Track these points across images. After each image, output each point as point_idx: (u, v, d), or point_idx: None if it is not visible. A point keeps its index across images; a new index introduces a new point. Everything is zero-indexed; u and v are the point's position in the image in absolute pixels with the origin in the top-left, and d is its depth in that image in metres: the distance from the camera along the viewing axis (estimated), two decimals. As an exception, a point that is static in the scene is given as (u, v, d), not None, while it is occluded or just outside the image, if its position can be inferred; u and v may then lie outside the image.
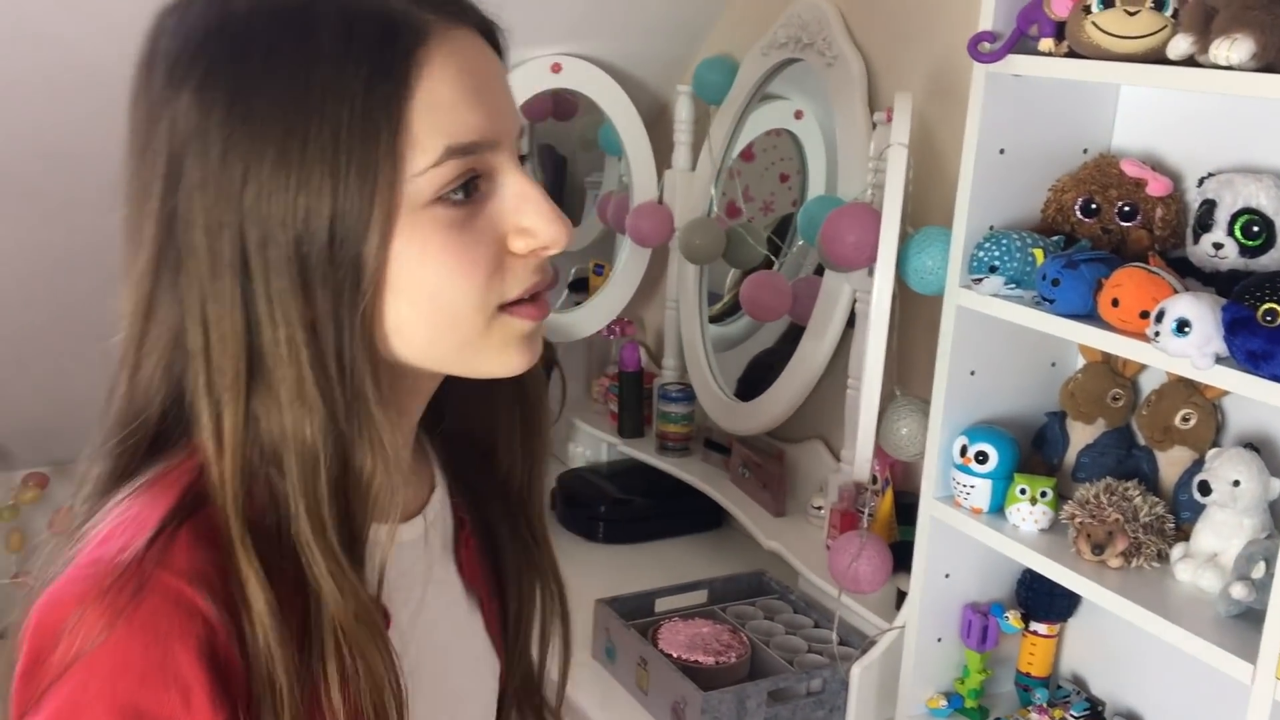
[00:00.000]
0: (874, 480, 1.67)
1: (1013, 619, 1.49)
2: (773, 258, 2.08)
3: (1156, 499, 1.32)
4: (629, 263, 2.33)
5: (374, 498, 0.69)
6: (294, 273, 0.65)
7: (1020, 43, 1.30)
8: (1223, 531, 1.24)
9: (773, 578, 1.86)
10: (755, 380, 2.09)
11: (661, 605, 1.79)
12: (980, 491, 1.42)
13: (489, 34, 0.74)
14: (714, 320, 2.22)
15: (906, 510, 1.69)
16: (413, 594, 0.79)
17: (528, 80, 2.14)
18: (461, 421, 0.86)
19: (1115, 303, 1.22)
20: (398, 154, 0.66)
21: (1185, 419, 1.33)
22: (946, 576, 1.50)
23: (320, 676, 0.67)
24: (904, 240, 1.54)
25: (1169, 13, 1.19)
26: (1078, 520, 1.32)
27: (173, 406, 0.70)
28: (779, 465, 1.96)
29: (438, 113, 0.67)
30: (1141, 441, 1.41)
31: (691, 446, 2.20)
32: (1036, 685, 1.52)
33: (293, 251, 0.65)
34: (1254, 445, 1.27)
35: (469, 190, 0.69)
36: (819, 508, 1.89)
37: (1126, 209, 1.34)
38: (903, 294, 1.58)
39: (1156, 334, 1.16)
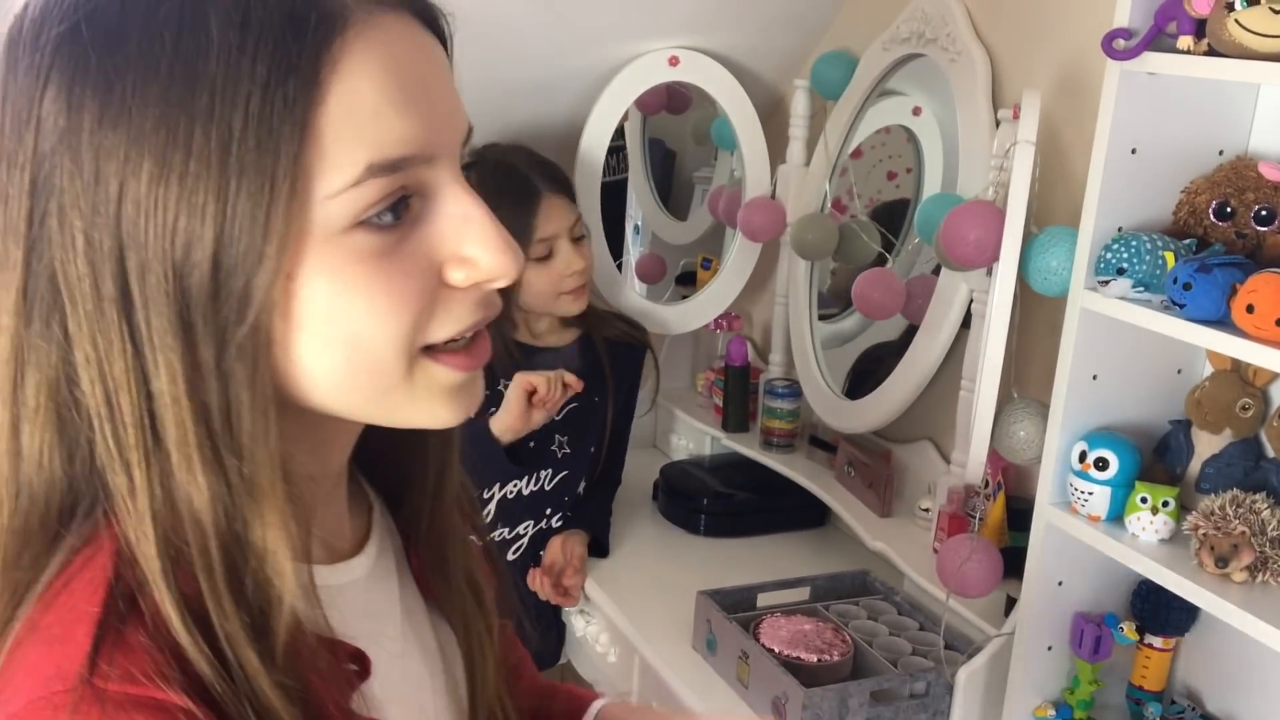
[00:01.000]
0: (985, 484, 1.65)
1: (1127, 630, 1.46)
2: (886, 255, 2.06)
3: (1286, 513, 1.28)
4: (738, 257, 2.33)
5: (270, 575, 0.57)
6: (174, 310, 0.54)
7: (1157, 40, 1.27)
8: (1357, 549, 1.20)
9: (877, 578, 1.84)
10: (867, 373, 2.08)
11: (763, 600, 1.79)
12: (1099, 499, 1.39)
13: (428, 18, 0.62)
14: (822, 317, 2.21)
15: (1017, 515, 1.66)
16: (386, 627, 0.71)
17: (644, 73, 2.14)
18: (376, 448, 0.74)
19: (1250, 309, 1.18)
20: (303, 171, 0.54)
21: (1319, 432, 1.29)
22: (1059, 584, 1.47)
23: None
24: (1027, 240, 1.52)
25: (1318, 10, 1.15)
26: (1201, 532, 1.28)
27: (72, 480, 0.59)
28: (886, 465, 1.94)
29: (357, 120, 0.55)
30: (1271, 453, 1.37)
31: (796, 443, 2.19)
32: (1149, 700, 1.48)
33: (171, 284, 0.54)
34: (1393, 461, 1.23)
35: (398, 211, 0.57)
36: (926, 510, 1.87)
37: (1264, 213, 1.29)
38: (1022, 294, 1.55)
39: (1294, 342, 1.12)
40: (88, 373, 0.56)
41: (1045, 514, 1.44)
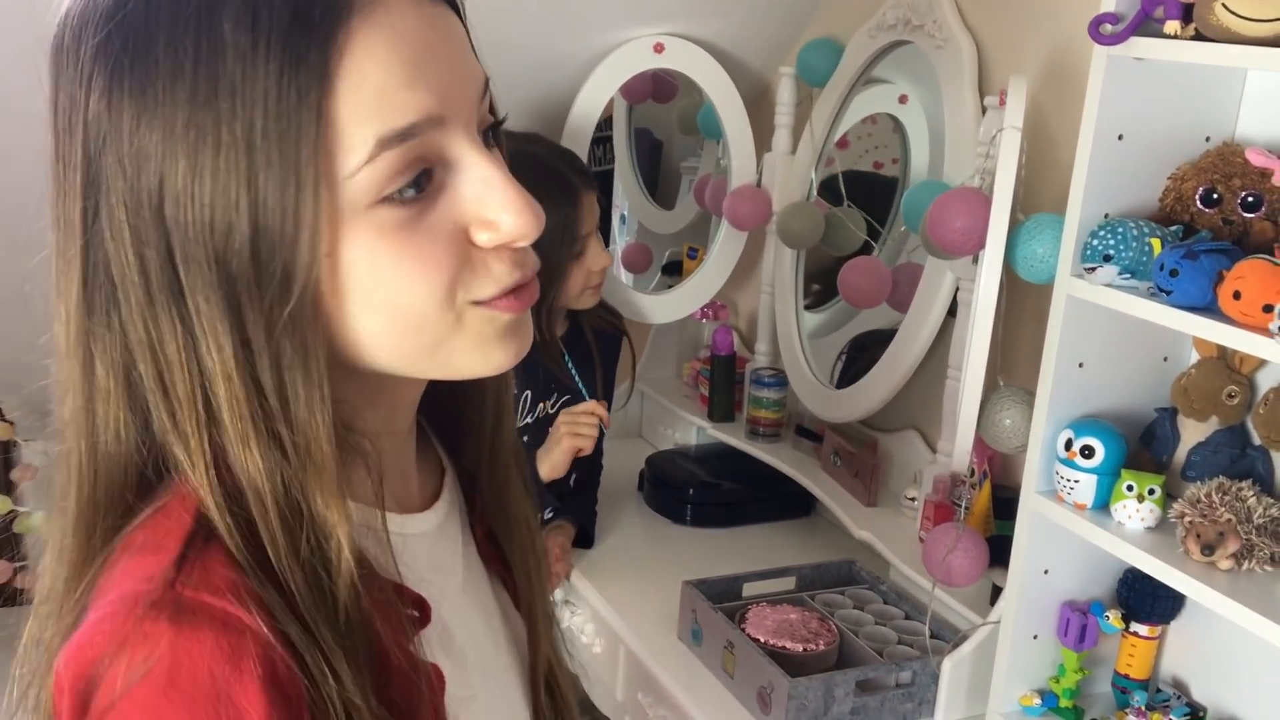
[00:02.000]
0: (971, 472, 1.64)
1: (1113, 619, 1.45)
2: (872, 243, 2.05)
3: (1271, 500, 1.27)
4: (724, 246, 2.32)
5: (327, 541, 0.61)
6: (220, 294, 0.58)
7: (1144, 24, 1.26)
8: (1343, 536, 1.19)
9: (863, 567, 1.84)
10: (857, 360, 2.07)
11: (749, 590, 1.78)
12: (1085, 487, 1.38)
13: None
14: (807, 307, 2.20)
15: (1003, 504, 1.66)
16: (450, 581, 0.75)
17: (629, 60, 2.13)
18: (440, 401, 0.79)
19: (1237, 295, 1.17)
20: (324, 154, 0.57)
21: (1305, 419, 1.28)
22: (1045, 573, 1.47)
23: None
24: (1014, 227, 1.51)
25: (1306, -6, 1.15)
26: (1187, 520, 1.28)
27: (150, 449, 0.63)
28: (872, 454, 1.94)
29: (364, 99, 0.58)
30: (1257, 441, 1.37)
31: (782, 433, 2.18)
32: (1135, 688, 1.48)
33: (215, 271, 0.58)
34: (1379, 448, 1.22)
35: (420, 184, 0.61)
36: (912, 499, 1.86)
37: (1250, 199, 1.29)
38: (1009, 281, 1.55)
39: (1280, 329, 1.12)
40: (142, 355, 0.60)
41: (1031, 502, 1.44)
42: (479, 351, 0.65)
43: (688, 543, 2.08)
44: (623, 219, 2.71)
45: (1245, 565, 1.25)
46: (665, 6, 2.08)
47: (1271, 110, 1.36)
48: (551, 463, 1.83)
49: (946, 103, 1.78)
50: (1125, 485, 1.35)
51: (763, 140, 2.22)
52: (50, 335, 0.65)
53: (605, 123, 2.59)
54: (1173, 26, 1.24)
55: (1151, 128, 1.34)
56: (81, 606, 0.62)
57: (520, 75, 2.09)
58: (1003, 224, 1.50)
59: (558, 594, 1.98)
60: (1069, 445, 1.39)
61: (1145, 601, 1.45)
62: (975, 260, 1.60)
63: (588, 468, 2.04)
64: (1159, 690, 1.50)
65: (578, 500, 2.02)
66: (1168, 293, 1.23)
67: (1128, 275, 1.30)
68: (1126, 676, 1.49)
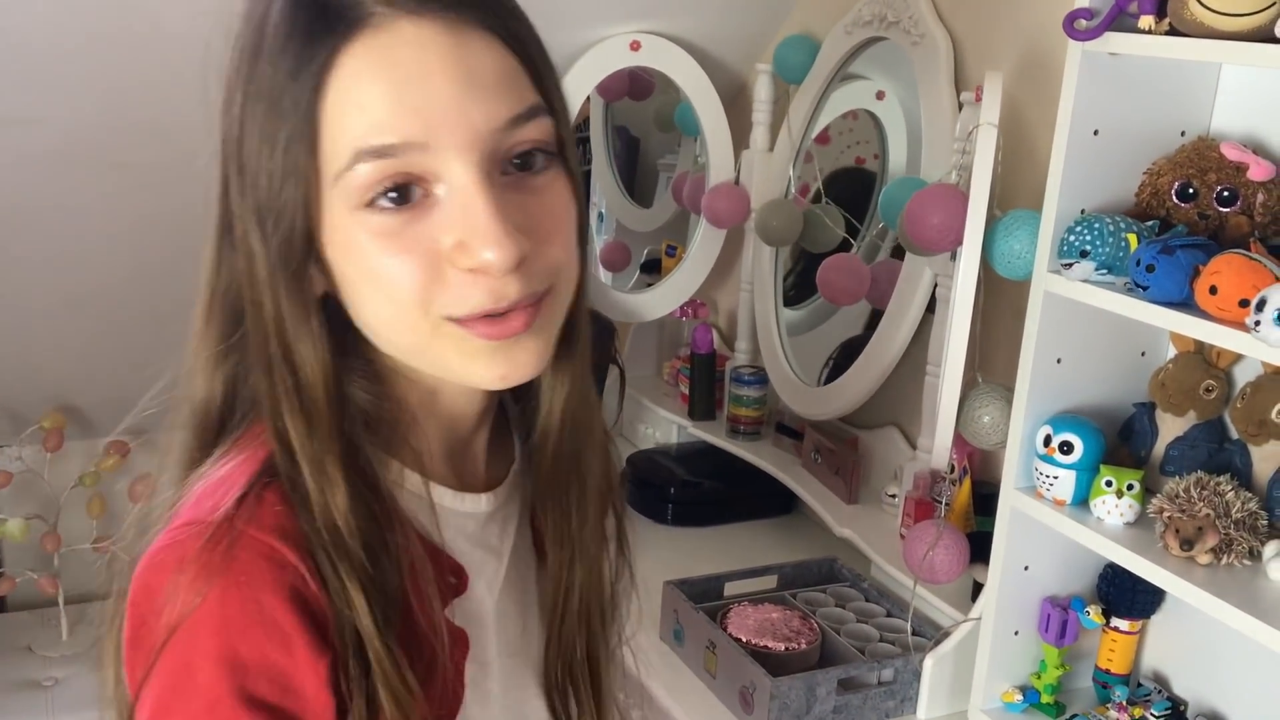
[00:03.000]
0: (951, 469, 1.64)
1: (1093, 614, 1.45)
2: (850, 240, 2.04)
3: (1249, 495, 1.27)
4: (703, 244, 2.31)
5: (336, 492, 0.69)
6: (272, 262, 0.67)
7: (1118, 20, 1.26)
8: (1321, 530, 1.20)
9: (844, 565, 1.84)
10: (846, 364, 2.06)
11: (731, 589, 1.78)
12: (1064, 483, 1.38)
13: (479, 19, 0.67)
14: (787, 304, 2.19)
15: (984, 500, 1.65)
16: (491, 563, 0.80)
17: (606, 57, 2.12)
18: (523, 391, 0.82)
19: (1213, 290, 1.17)
20: (319, 155, 0.65)
21: (1282, 413, 1.28)
22: (1025, 569, 1.47)
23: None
24: (991, 223, 1.51)
25: (1279, -11, 1.15)
26: (1166, 515, 1.28)
27: (236, 391, 0.73)
28: (853, 452, 1.93)
29: (348, 113, 0.64)
30: (1235, 435, 1.37)
31: (763, 431, 2.18)
32: (1116, 683, 1.48)
33: (272, 243, 0.67)
34: (1356, 441, 1.23)
35: (405, 196, 0.65)
36: (893, 496, 1.86)
37: (1226, 194, 1.29)
38: (987, 278, 1.55)
39: (1256, 323, 1.11)
40: (250, 306, 0.69)
41: (1010, 498, 1.44)
42: (459, 364, 0.69)
43: (669, 542, 2.08)
44: (600, 217, 2.70)
45: (1224, 559, 1.26)
46: (641, 4, 2.07)
47: (1246, 104, 1.36)
48: None
49: (923, 99, 1.77)
50: (1104, 481, 1.35)
51: (740, 137, 2.21)
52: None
53: (583, 123, 2.58)
54: (1147, 21, 1.24)
55: (1127, 123, 1.34)
56: (162, 525, 0.69)
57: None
58: (979, 220, 1.50)
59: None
60: (1047, 441, 1.39)
61: (1125, 596, 1.45)
62: (953, 257, 1.60)
63: None
64: (1140, 685, 1.51)
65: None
66: (1144, 288, 1.23)
67: (1104, 271, 1.30)
68: (1108, 671, 1.49)
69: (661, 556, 1.99)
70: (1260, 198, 1.28)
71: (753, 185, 2.16)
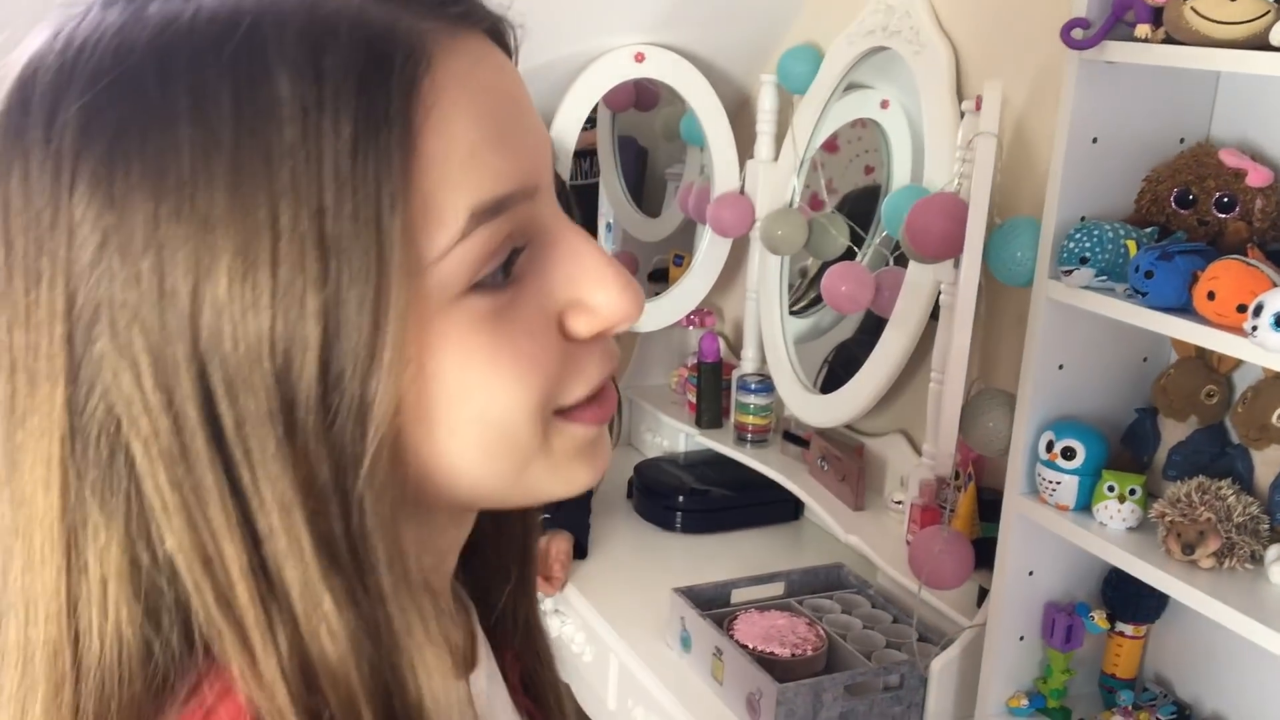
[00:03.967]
0: (956, 475, 1.65)
1: (1098, 619, 1.46)
2: (855, 249, 2.06)
3: (1251, 499, 1.28)
4: (709, 253, 2.33)
5: (427, 713, 0.49)
6: (278, 432, 0.45)
7: (1115, 29, 1.27)
8: (1321, 533, 1.20)
9: (851, 571, 1.84)
10: (841, 368, 2.08)
11: (738, 596, 1.79)
12: (1067, 488, 1.39)
13: (498, 34, 0.53)
14: (793, 312, 2.21)
15: (989, 506, 1.66)
16: None
17: (610, 70, 2.14)
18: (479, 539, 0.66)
19: (1211, 296, 1.18)
20: (410, 235, 0.45)
21: (1283, 417, 1.29)
22: (1030, 574, 1.48)
23: None
24: (991, 231, 1.52)
25: (1273, -3, 1.16)
26: (1168, 519, 1.29)
27: (160, 644, 0.48)
28: (858, 459, 1.94)
29: (456, 164, 0.46)
30: (1236, 440, 1.37)
31: (770, 438, 2.19)
32: (1121, 687, 1.49)
33: (272, 401, 0.45)
34: (1356, 445, 1.23)
35: (509, 268, 0.49)
36: (899, 502, 1.87)
37: (1224, 200, 1.30)
38: (989, 285, 1.56)
39: (1254, 328, 1.12)
40: (170, 524, 0.46)
41: (1014, 504, 1.44)
42: (565, 471, 0.54)
43: (677, 549, 2.09)
44: (608, 227, 2.71)
45: (1226, 563, 1.26)
46: (645, 16, 2.09)
47: (1244, 111, 1.37)
48: None
49: (925, 108, 1.79)
50: (1106, 486, 1.36)
51: (745, 147, 2.23)
52: None
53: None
54: (1143, 30, 1.25)
55: (1126, 131, 1.35)
56: None
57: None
58: (980, 228, 1.51)
59: (548, 603, 1.98)
60: (1050, 447, 1.40)
61: (1129, 601, 1.46)
62: (956, 264, 1.61)
63: None
64: (1145, 689, 1.51)
65: (571, 510, 2.02)
66: (1143, 294, 1.24)
67: (1104, 277, 1.31)
68: (1113, 676, 1.50)
69: (669, 564, 2.00)
70: (1259, 203, 1.29)
71: (758, 195, 2.17)
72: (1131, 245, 1.29)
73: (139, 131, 0.43)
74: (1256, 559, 1.27)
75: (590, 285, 0.51)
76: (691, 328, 2.41)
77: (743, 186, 2.22)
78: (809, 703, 1.51)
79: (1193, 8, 1.18)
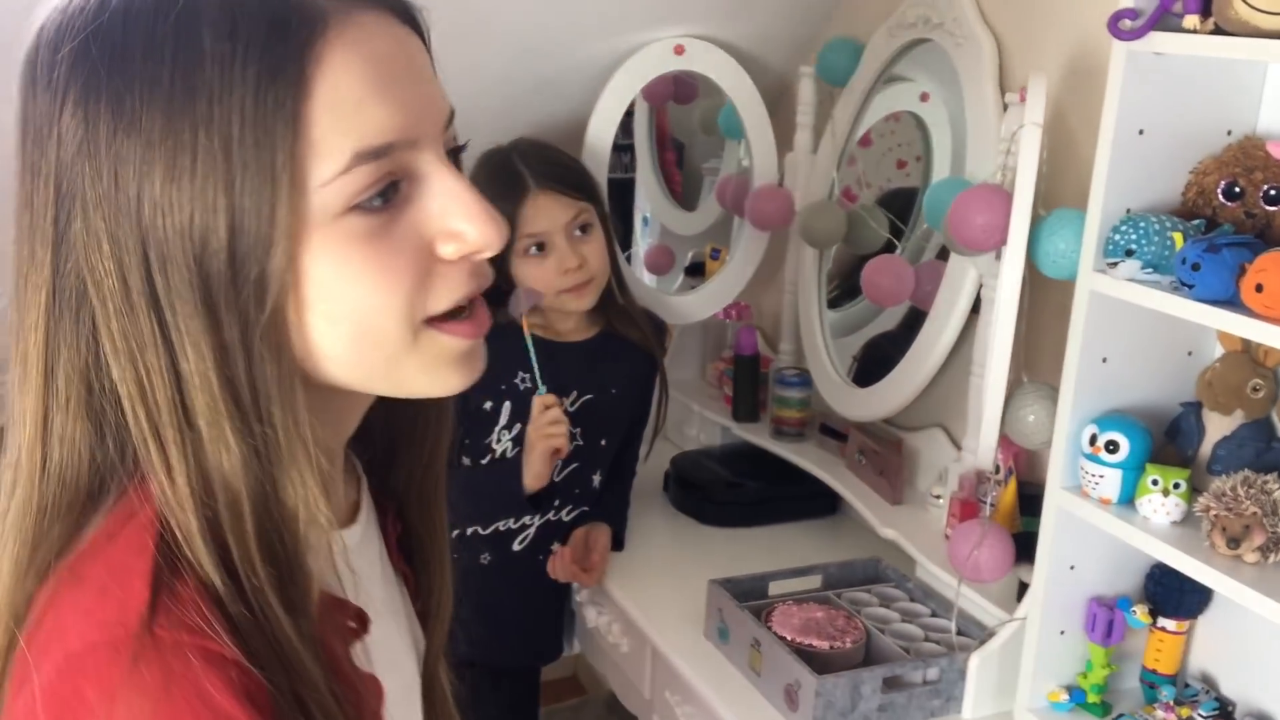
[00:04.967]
0: (996, 469, 1.64)
1: (1140, 614, 1.45)
2: (895, 241, 2.05)
3: (1298, 493, 1.27)
4: (747, 246, 2.32)
5: (303, 536, 0.63)
6: (197, 297, 0.59)
7: (1163, 20, 1.26)
8: (1370, 529, 1.19)
9: (889, 565, 1.84)
10: (872, 364, 2.07)
11: (775, 589, 1.79)
12: (1110, 482, 1.38)
13: (404, 14, 0.66)
14: (830, 305, 2.20)
15: (1029, 501, 1.65)
16: (374, 591, 0.77)
17: (650, 62, 2.14)
18: (372, 419, 0.79)
19: (1259, 288, 1.17)
20: (298, 163, 0.59)
21: (1331, 411, 1.28)
22: (1071, 568, 1.47)
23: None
24: (1035, 223, 1.51)
25: (1326, -14, 1.15)
26: (1213, 513, 1.28)
27: (101, 463, 0.64)
28: (897, 453, 1.94)
29: (342, 112, 0.60)
30: (1282, 434, 1.36)
31: (806, 432, 2.19)
32: (1163, 683, 1.48)
33: (194, 274, 0.59)
34: (1406, 440, 1.22)
35: (388, 195, 0.62)
36: (938, 496, 1.86)
37: (1272, 192, 1.29)
38: (1031, 278, 1.55)
39: (1304, 321, 1.11)
40: (118, 362, 0.61)
41: (1056, 498, 1.44)
42: (433, 373, 0.67)
43: (713, 542, 2.09)
44: (645, 221, 2.72)
45: (1271, 558, 1.25)
46: (684, 8, 2.09)
47: (1293, 103, 1.36)
48: (534, 472, 1.80)
49: (967, 100, 1.78)
50: (1150, 480, 1.35)
51: (784, 140, 2.22)
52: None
53: (628, 131, 2.60)
54: (1192, 21, 1.24)
55: (1172, 122, 1.34)
56: (19, 619, 0.61)
57: (541, 84, 2.11)
58: (1024, 220, 1.50)
59: (584, 594, 1.99)
60: (1093, 440, 1.39)
61: (1172, 596, 1.45)
62: (998, 257, 1.60)
63: (616, 470, 2.04)
64: (1187, 685, 1.50)
65: (610, 502, 2.02)
66: (1190, 287, 1.23)
67: (1150, 270, 1.30)
68: (1154, 671, 1.49)
69: (706, 556, 2.00)
70: (1308, 196, 1.28)
71: (796, 188, 2.17)
72: (1178, 237, 1.28)
73: (106, 71, 0.58)
74: (1303, 554, 1.25)
75: (458, 217, 0.64)
76: (728, 321, 2.41)
77: (781, 179, 2.22)
78: (847, 695, 1.51)
79: (1243, -3, 1.18)
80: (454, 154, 0.69)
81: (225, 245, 0.59)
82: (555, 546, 1.94)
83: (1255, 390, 1.36)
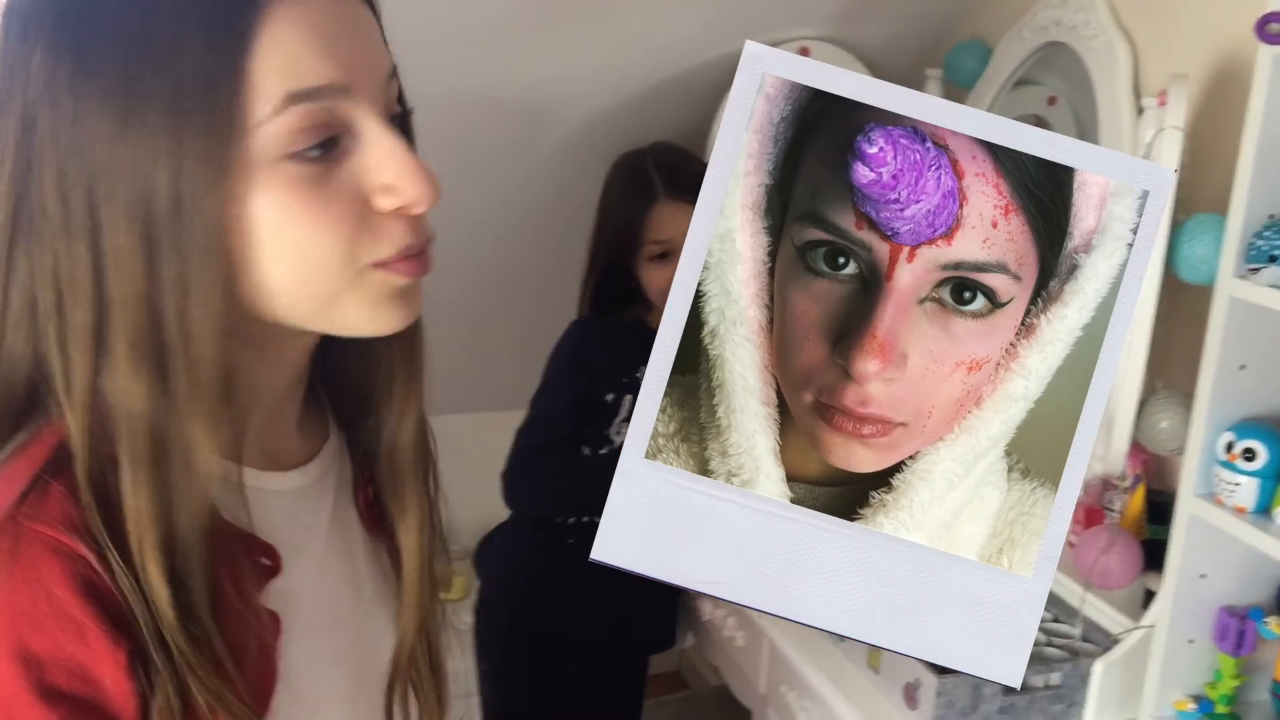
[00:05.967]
0: (1123, 476, 1.63)
1: (1273, 625, 1.43)
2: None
3: None
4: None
5: (187, 470, 0.66)
6: (138, 231, 0.64)
7: (1315, 23, 1.25)
8: None
9: (1009, 569, 1.83)
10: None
11: (893, 588, 1.79)
12: (1246, 490, 1.37)
13: None
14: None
15: (1156, 509, 1.64)
16: (310, 540, 0.79)
17: (776, 64, 2.15)
18: (344, 372, 0.83)
19: None
20: (239, 107, 0.64)
21: None
22: (1202, 576, 1.45)
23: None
24: (1174, 228, 1.50)
25: None
26: (1356, 525, 1.26)
27: (36, 374, 0.69)
28: (1018, 456, 1.93)
29: (279, 60, 0.64)
30: None
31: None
32: (1295, 696, 1.46)
33: (138, 210, 0.64)
34: None
35: (327, 148, 0.66)
36: (1060, 501, 1.85)
37: None
38: (1165, 283, 1.54)
39: None
40: (45, 280, 0.66)
41: (1189, 505, 1.42)
42: (371, 311, 0.70)
43: (829, 541, 2.09)
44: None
45: None
46: (811, 10, 2.11)
47: None
48: None
49: (1100, 104, 1.77)
50: (1289, 489, 1.33)
51: (907, 143, 2.22)
52: None
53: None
54: (1346, 24, 1.22)
55: (1321, 127, 1.32)
56: None
57: (667, 86, 2.14)
58: (1163, 225, 1.49)
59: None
60: (1230, 448, 1.38)
61: (1308, 608, 1.43)
62: (1130, 262, 1.59)
63: None
64: (1321, 700, 1.48)
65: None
66: (1338, 294, 1.22)
67: (1294, 276, 1.28)
68: (1286, 684, 1.47)
69: (822, 555, 2.01)
70: None
71: (919, 190, 2.16)
72: (1325, 244, 1.27)
73: (75, 22, 0.64)
74: None
75: (393, 173, 0.68)
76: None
77: (904, 182, 2.22)
78: (968, 696, 1.52)
79: (1402, 1, 1.16)
80: (401, 119, 0.73)
81: (169, 183, 0.63)
82: None
83: (1402, 401, 1.34)
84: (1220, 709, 1.48)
